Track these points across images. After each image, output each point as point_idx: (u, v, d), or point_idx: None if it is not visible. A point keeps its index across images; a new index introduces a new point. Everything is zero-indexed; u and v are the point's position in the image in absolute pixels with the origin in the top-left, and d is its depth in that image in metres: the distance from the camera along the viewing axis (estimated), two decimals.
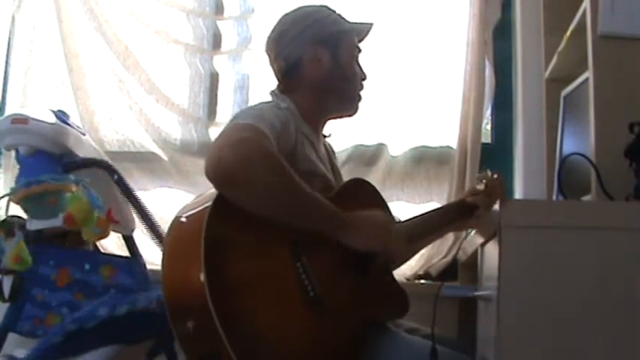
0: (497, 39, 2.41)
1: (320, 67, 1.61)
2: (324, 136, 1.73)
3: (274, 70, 1.67)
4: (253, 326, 1.19)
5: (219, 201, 1.24)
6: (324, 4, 1.71)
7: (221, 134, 1.34)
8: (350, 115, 1.70)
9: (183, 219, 1.31)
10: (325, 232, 1.36)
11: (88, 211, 1.76)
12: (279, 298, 1.27)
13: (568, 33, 1.79)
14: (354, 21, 1.70)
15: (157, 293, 1.61)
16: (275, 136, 1.36)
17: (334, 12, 1.68)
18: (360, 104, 1.69)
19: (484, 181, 1.86)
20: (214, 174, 1.25)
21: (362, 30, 1.70)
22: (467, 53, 2.35)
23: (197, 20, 2.56)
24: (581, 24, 1.64)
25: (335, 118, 1.71)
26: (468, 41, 2.35)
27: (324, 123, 1.70)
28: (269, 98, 1.63)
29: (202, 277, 1.15)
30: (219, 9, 2.58)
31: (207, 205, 1.25)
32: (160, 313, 1.43)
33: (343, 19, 1.68)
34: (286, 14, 1.68)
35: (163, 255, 1.28)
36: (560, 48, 1.90)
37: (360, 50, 1.70)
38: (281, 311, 1.26)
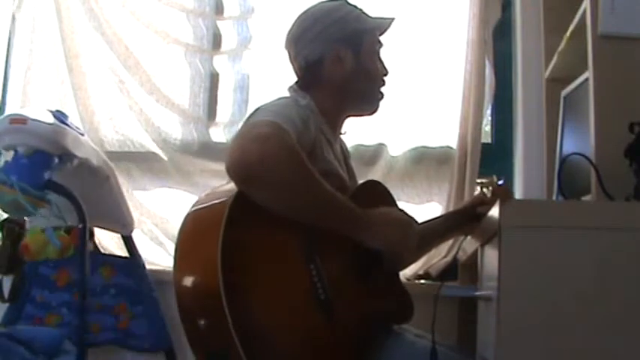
0: (497, 39, 2.41)
1: (342, 67, 1.58)
2: (340, 134, 1.69)
3: (294, 68, 1.63)
4: (263, 326, 1.19)
5: (237, 200, 1.22)
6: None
7: (242, 130, 1.32)
8: (370, 114, 1.67)
9: (198, 216, 1.29)
10: (345, 231, 1.34)
11: (43, 245, 1.93)
12: (291, 298, 1.26)
13: (568, 33, 1.79)
14: (376, 16, 1.66)
15: None
16: (296, 133, 1.33)
17: (356, 8, 1.63)
18: (382, 102, 1.66)
19: (490, 188, 1.86)
20: (236, 170, 1.22)
21: (383, 25, 1.66)
22: (467, 53, 2.35)
23: (197, 20, 2.56)
24: (581, 24, 1.63)
25: (355, 116, 1.68)
26: (468, 41, 2.35)
27: (343, 121, 1.66)
28: (286, 94, 1.59)
29: (218, 276, 1.13)
30: (219, 9, 2.58)
31: (222, 200, 1.23)
32: None
33: (365, 14, 1.64)
34: (306, 11, 1.63)
35: (176, 252, 1.26)
36: (560, 48, 1.90)
37: (381, 45, 1.66)
38: (291, 312, 1.25)
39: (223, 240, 1.16)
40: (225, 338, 1.12)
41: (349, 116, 1.67)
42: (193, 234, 1.27)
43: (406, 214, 1.48)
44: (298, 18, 1.63)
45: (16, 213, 1.90)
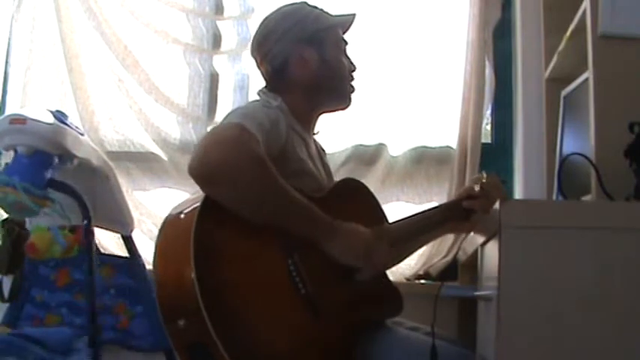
0: (497, 39, 2.41)
1: (307, 67, 1.60)
2: (314, 134, 1.71)
3: (261, 73, 1.66)
4: (244, 322, 1.20)
5: (208, 200, 1.24)
6: (305, 1, 1.67)
7: (208, 132, 1.35)
8: (344, 109, 1.69)
9: (173, 219, 1.31)
10: (307, 236, 1.35)
11: (50, 244, 1.93)
12: (270, 294, 1.27)
13: (568, 33, 1.79)
14: (336, 14, 1.68)
15: None
16: (263, 135, 1.34)
17: (315, 8, 1.66)
18: (354, 96, 1.68)
19: (480, 183, 1.84)
20: (196, 171, 1.25)
21: (345, 22, 1.68)
22: (467, 53, 2.35)
23: (197, 20, 2.56)
24: (581, 24, 1.64)
25: (328, 112, 1.70)
26: (468, 41, 2.35)
27: (316, 119, 1.68)
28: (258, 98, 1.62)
29: (192, 275, 1.15)
30: (219, 9, 2.58)
31: (196, 205, 1.25)
32: None
33: (326, 13, 1.66)
34: (267, 16, 1.66)
35: (155, 256, 1.28)
36: (560, 48, 1.90)
37: (346, 43, 1.68)
38: (272, 307, 1.26)
39: (196, 240, 1.17)
40: (204, 336, 1.14)
41: (322, 113, 1.68)
42: (169, 239, 1.29)
43: (377, 218, 1.48)
44: (260, 24, 1.66)
45: (19, 214, 1.89)
